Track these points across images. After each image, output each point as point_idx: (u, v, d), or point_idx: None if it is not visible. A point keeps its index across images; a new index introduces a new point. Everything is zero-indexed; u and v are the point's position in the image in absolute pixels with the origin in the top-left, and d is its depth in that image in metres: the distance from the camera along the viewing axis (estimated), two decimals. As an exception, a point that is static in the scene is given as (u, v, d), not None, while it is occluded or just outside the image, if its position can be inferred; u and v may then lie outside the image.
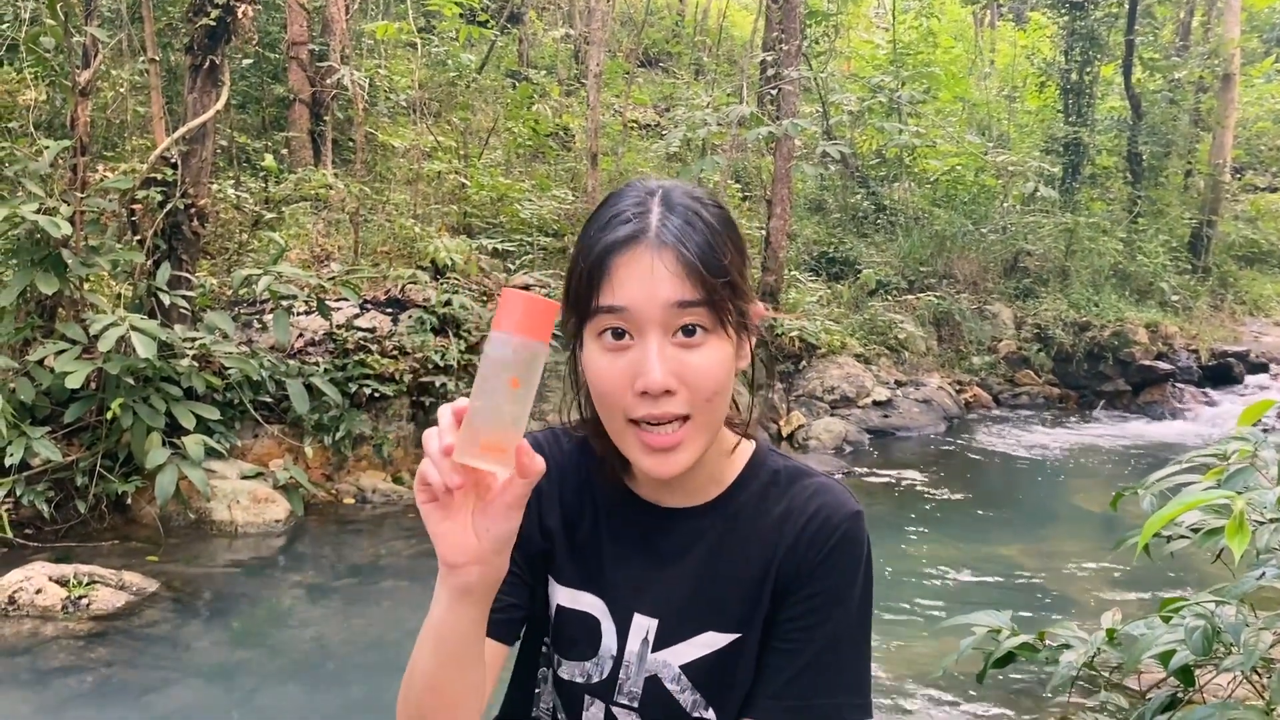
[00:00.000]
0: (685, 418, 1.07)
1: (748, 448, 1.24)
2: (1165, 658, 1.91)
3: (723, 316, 1.07)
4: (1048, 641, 2.22)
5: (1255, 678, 2.03)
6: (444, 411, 0.95)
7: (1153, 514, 1.62)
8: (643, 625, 1.21)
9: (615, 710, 1.22)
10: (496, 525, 0.97)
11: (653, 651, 1.20)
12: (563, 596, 1.24)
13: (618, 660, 1.21)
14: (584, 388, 1.15)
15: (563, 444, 1.27)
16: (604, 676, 1.22)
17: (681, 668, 1.19)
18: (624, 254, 1.06)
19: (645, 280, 1.05)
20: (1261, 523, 1.77)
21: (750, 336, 1.15)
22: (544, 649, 1.30)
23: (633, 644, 1.21)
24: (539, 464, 0.95)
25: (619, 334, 1.06)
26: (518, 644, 1.29)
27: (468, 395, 0.93)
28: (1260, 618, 1.86)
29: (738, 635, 1.17)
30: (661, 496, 1.22)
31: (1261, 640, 1.73)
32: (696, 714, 1.20)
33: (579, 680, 1.24)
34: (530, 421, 0.97)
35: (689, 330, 1.06)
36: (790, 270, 11.51)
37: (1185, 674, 1.99)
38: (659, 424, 1.07)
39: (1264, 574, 1.84)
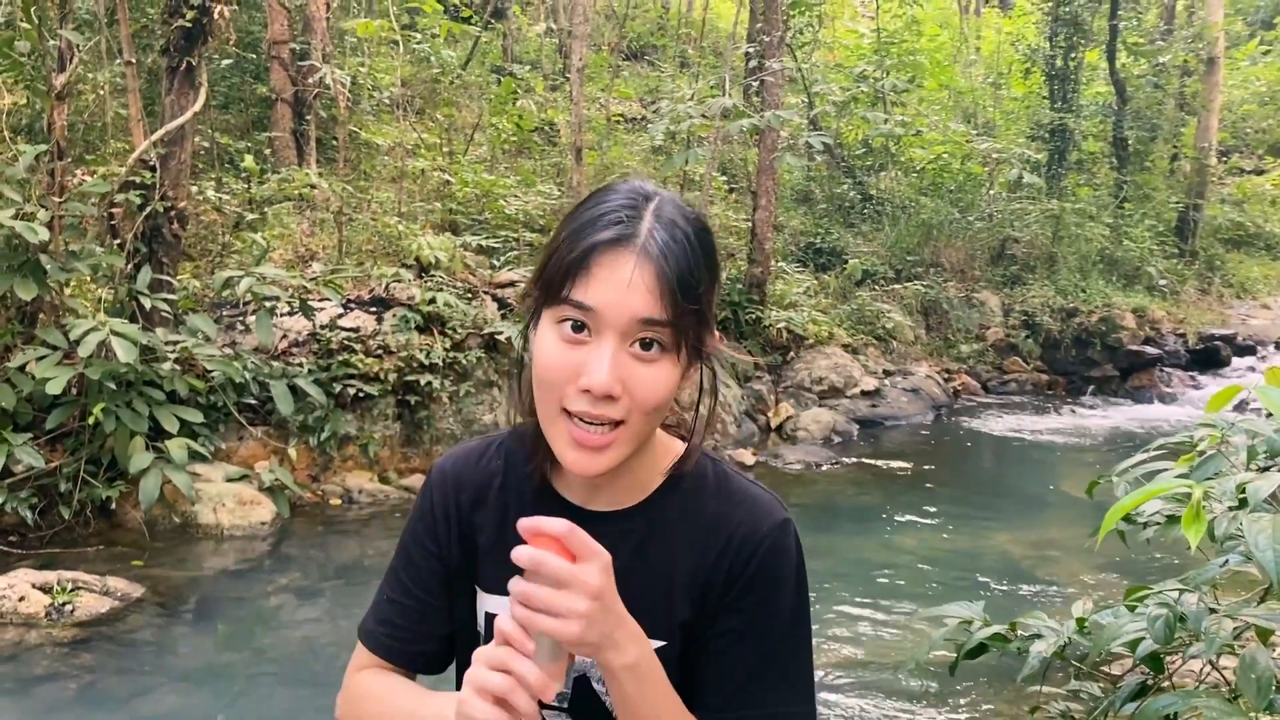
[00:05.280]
0: (619, 423, 1.07)
1: (676, 451, 1.23)
2: (1135, 645, 1.92)
3: (682, 341, 1.07)
4: (1019, 631, 2.23)
5: (1224, 665, 2.03)
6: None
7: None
8: None
9: (545, 713, 1.22)
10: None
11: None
12: (491, 604, 1.24)
13: None
14: (528, 380, 1.14)
15: (490, 456, 1.27)
16: None
17: None
18: (607, 254, 1.05)
19: (621, 289, 1.04)
20: (1226, 509, 1.77)
21: (699, 364, 1.15)
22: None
23: None
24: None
25: (579, 327, 1.06)
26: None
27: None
28: (1223, 605, 1.86)
29: (663, 643, 1.16)
30: (586, 500, 1.21)
31: (1223, 627, 1.73)
32: None
33: None
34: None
35: (646, 344, 1.06)
36: (777, 261, 11.50)
37: (1154, 661, 1.99)
38: (593, 424, 1.07)
39: (1227, 561, 1.85)
